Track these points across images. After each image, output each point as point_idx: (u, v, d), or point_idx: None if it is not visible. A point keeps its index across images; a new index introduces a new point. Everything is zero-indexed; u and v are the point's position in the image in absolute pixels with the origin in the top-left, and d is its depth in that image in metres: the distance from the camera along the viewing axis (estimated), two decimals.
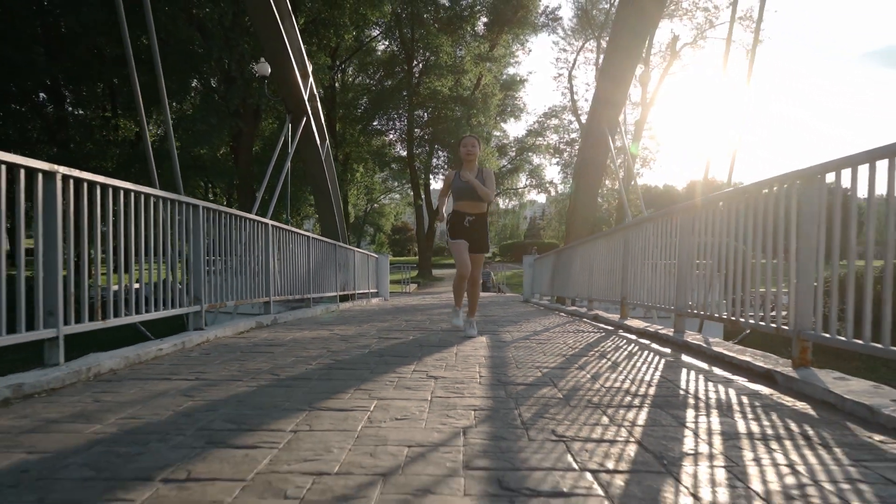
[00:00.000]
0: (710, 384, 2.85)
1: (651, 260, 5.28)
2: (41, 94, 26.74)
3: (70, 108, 27.86)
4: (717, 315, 3.88)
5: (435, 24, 31.65)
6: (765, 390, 2.70)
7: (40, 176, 2.76)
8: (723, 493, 1.45)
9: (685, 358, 3.67)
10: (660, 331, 4.66)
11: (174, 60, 23.23)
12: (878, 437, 1.94)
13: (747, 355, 3.31)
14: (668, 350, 4.02)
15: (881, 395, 2.31)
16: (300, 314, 7.04)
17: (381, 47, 35.23)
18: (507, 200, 51.03)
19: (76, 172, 2.93)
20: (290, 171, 14.17)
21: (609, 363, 3.49)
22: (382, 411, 2.28)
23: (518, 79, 42.02)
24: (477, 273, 4.92)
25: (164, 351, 3.64)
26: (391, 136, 35.96)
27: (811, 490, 1.48)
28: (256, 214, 6.46)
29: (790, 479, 1.55)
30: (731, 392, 2.66)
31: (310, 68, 13.20)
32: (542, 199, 51.91)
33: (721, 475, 1.57)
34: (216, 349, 4.04)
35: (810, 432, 2.00)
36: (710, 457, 1.73)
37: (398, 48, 33.77)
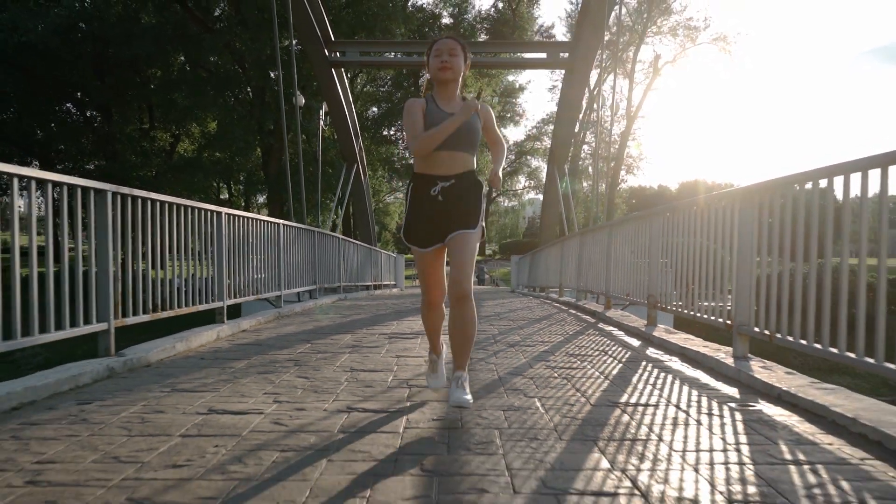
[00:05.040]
0: (570, 318, 6.41)
1: (575, 259, 8.82)
2: (92, 112, 30.49)
3: (116, 118, 31.59)
4: (594, 291, 7.44)
5: None
6: (590, 319, 6.25)
7: (274, 225, 6.32)
8: (539, 336, 5.02)
9: (572, 311, 7.23)
10: (571, 300, 8.23)
11: (214, 83, 27.03)
12: (612, 330, 5.51)
13: (598, 309, 6.86)
14: (569, 308, 7.58)
15: (647, 325, 5.87)
16: (356, 295, 10.65)
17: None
18: (506, 201, 54.69)
19: (275, 219, 6.47)
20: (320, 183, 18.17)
21: (531, 312, 7.07)
22: None
23: (517, 86, 45.52)
24: (462, 282, 2.37)
25: (311, 306, 7.25)
26: (400, 146, 39.63)
27: (574, 341, 5.07)
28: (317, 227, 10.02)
29: (561, 338, 5.14)
30: (574, 320, 6.22)
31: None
32: (542, 197, 55.27)
33: (542, 336, 5.14)
34: (332, 307, 7.63)
35: (589, 330, 5.56)
36: (539, 329, 5.30)
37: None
